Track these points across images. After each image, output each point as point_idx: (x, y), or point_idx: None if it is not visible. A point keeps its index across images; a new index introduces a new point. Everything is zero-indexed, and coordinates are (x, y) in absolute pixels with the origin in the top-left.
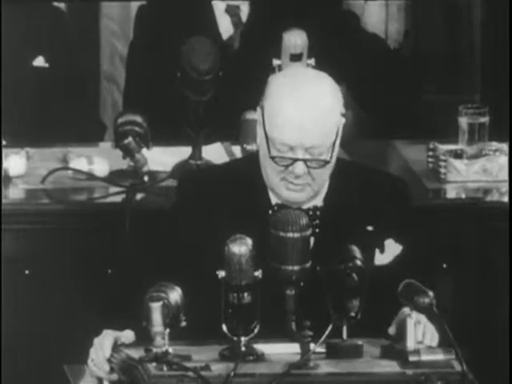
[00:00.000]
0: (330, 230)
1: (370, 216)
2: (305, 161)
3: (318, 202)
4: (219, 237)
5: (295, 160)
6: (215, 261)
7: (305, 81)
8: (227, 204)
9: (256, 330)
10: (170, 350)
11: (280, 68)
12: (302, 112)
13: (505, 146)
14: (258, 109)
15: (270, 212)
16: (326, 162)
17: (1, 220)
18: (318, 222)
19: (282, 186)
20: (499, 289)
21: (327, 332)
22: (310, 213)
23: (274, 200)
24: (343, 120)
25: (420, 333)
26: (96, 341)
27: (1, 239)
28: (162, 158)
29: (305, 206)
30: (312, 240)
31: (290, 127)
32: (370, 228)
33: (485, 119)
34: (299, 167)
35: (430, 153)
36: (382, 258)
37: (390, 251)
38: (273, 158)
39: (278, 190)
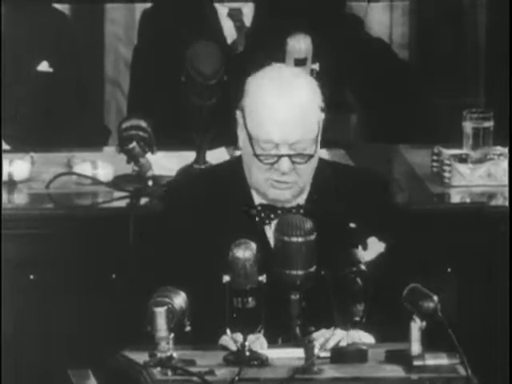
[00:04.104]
0: (315, 227)
1: (352, 213)
2: (290, 156)
3: (301, 200)
4: (206, 241)
5: (280, 156)
6: (204, 264)
7: (283, 78)
8: (211, 207)
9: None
10: (175, 354)
11: None
12: (284, 109)
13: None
14: (238, 111)
15: (254, 212)
16: (311, 156)
17: (1, 225)
18: None
19: (268, 185)
20: (504, 293)
21: (331, 336)
22: (294, 211)
23: (257, 200)
24: (323, 115)
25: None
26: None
27: (0, 243)
28: (166, 163)
29: (289, 205)
30: None
31: (273, 124)
32: (352, 225)
33: (489, 124)
34: (285, 163)
35: (435, 157)
36: (365, 256)
37: (373, 249)
38: (257, 155)
39: (263, 190)
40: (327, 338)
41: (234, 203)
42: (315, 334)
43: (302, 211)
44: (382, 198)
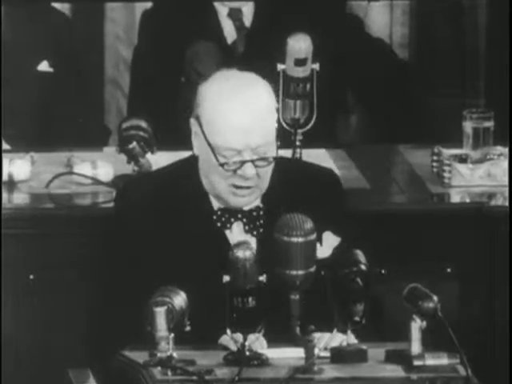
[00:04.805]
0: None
1: (307, 210)
2: (253, 161)
3: (258, 202)
4: (164, 245)
5: (244, 162)
6: (163, 268)
7: (238, 83)
8: (169, 213)
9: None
10: (175, 354)
11: (284, 72)
12: (243, 114)
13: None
14: (192, 120)
15: (214, 217)
16: (274, 159)
17: (1, 224)
18: (261, 221)
19: (230, 193)
20: (503, 293)
21: (331, 336)
22: (254, 214)
23: (215, 205)
24: (276, 115)
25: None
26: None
27: (2, 244)
28: (166, 163)
29: (247, 208)
30: (255, 240)
31: (234, 132)
32: None
33: (489, 124)
34: (249, 169)
35: (435, 157)
36: (322, 251)
37: (328, 243)
38: (222, 165)
39: (225, 197)
40: (329, 338)
41: (193, 209)
42: (316, 336)
43: (261, 213)
44: (330, 190)
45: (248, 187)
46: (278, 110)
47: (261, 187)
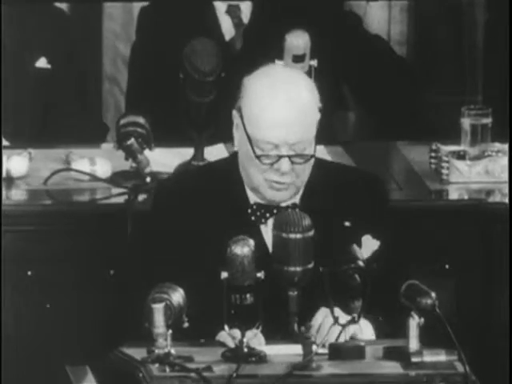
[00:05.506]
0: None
1: (347, 212)
2: (289, 157)
3: (297, 199)
4: (200, 239)
5: (280, 157)
6: (197, 262)
7: (282, 79)
8: (206, 206)
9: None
10: (173, 351)
11: None
12: (284, 110)
13: (507, 147)
14: (235, 112)
15: (249, 211)
16: (311, 156)
17: (1, 221)
18: None
19: (266, 187)
20: (502, 290)
21: (329, 333)
22: (290, 211)
23: (252, 199)
24: (319, 115)
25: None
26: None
27: (1, 240)
28: (164, 159)
29: (284, 204)
30: None
31: (273, 126)
32: (347, 223)
33: (487, 120)
34: (285, 164)
35: (433, 154)
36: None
37: (367, 247)
38: (258, 157)
39: (261, 191)
40: (327, 335)
41: (229, 202)
42: (312, 322)
43: (297, 210)
44: (375, 195)
45: (283, 183)
46: (320, 110)
47: (297, 185)
